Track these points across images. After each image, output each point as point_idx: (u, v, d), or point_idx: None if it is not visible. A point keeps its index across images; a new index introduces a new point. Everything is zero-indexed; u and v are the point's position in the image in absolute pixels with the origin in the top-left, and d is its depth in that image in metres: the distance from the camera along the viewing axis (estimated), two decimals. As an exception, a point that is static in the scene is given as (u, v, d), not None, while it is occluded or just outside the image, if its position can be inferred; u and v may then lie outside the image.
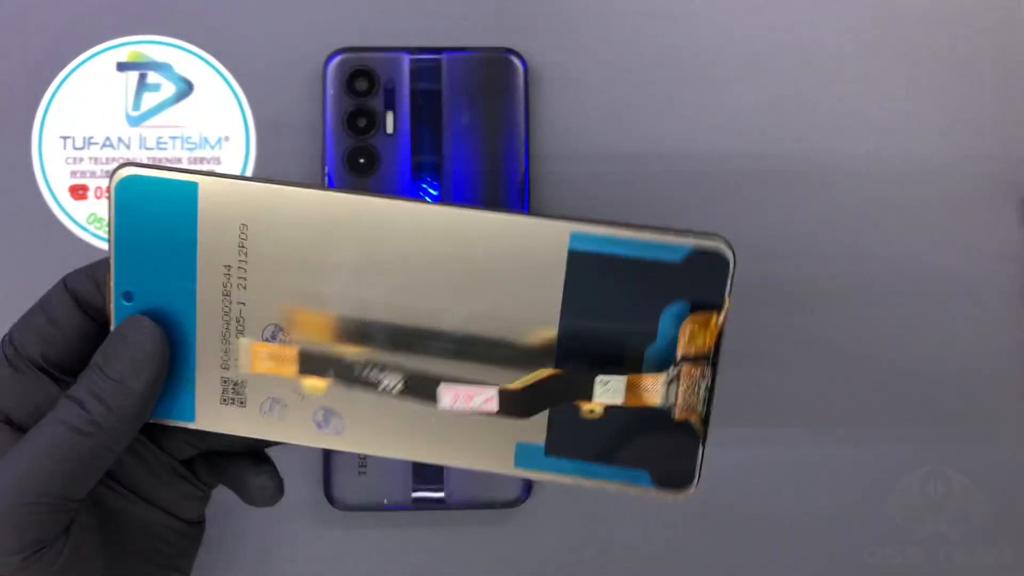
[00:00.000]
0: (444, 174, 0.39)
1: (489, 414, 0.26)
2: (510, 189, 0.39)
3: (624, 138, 0.41)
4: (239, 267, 0.26)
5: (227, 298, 0.27)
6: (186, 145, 0.40)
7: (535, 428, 0.26)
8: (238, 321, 0.27)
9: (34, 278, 0.41)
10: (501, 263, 0.25)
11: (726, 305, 0.25)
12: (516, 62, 0.39)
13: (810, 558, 0.42)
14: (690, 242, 0.25)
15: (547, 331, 0.26)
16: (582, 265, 0.25)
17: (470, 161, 0.39)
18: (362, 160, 0.39)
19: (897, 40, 0.41)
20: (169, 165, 0.26)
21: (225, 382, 0.27)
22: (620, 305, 0.25)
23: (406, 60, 0.39)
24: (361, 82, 0.39)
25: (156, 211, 0.26)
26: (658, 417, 0.26)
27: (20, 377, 0.27)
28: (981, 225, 0.41)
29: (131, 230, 0.26)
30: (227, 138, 0.40)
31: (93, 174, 0.40)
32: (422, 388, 0.26)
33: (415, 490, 0.40)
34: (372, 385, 0.26)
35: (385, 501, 0.40)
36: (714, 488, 0.41)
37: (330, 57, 0.39)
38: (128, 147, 0.40)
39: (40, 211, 0.40)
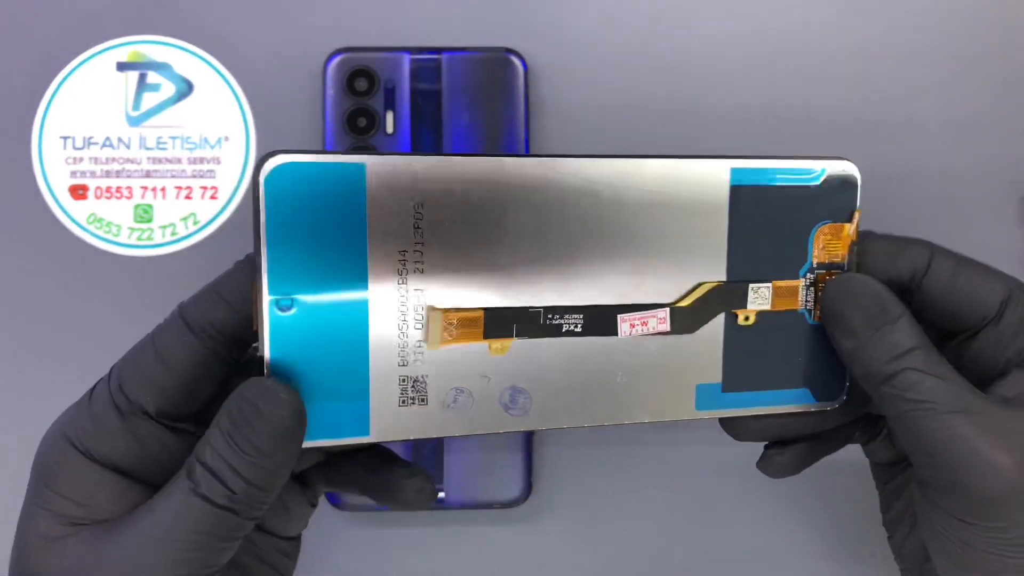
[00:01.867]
0: (444, 174, 0.39)
1: (663, 333, 0.27)
2: (510, 189, 0.39)
3: (624, 138, 0.41)
4: (415, 250, 0.25)
5: (403, 286, 0.25)
6: (186, 145, 0.40)
7: (711, 369, 0.28)
8: (416, 310, 0.25)
9: (34, 278, 0.41)
10: (669, 202, 0.27)
11: (857, 216, 0.28)
12: (516, 62, 0.39)
13: (810, 556, 0.42)
14: (824, 165, 0.28)
15: (716, 260, 0.27)
16: (742, 197, 0.27)
17: (470, 161, 0.39)
18: (362, 160, 0.39)
19: (897, 40, 0.41)
20: (314, 150, 0.25)
21: (403, 381, 0.25)
22: (775, 229, 0.28)
23: (406, 60, 0.39)
24: (361, 82, 0.39)
25: (316, 201, 0.24)
26: (800, 322, 0.28)
27: (130, 426, 0.24)
28: (981, 225, 0.41)
29: (286, 227, 0.24)
30: (227, 138, 0.40)
31: (93, 174, 0.40)
32: (601, 324, 0.27)
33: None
34: (555, 329, 0.26)
35: (385, 501, 0.40)
36: (712, 485, 0.41)
37: (330, 57, 0.39)
38: (128, 147, 0.40)
39: (40, 211, 0.40)
